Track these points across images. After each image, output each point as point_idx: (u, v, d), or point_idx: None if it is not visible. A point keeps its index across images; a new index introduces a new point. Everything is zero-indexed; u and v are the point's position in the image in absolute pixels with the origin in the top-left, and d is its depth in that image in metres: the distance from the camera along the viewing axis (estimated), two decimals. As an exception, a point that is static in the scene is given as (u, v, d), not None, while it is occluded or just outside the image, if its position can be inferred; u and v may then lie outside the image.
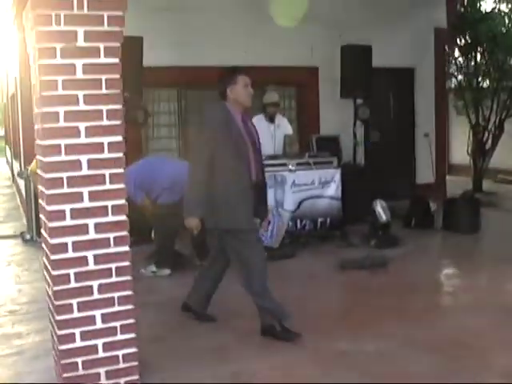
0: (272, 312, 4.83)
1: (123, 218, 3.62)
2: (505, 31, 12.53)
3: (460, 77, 13.47)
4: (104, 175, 3.54)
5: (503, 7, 12.87)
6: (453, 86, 13.86)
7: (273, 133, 8.14)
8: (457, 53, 13.30)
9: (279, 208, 7.69)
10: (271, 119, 8.18)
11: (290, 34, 9.63)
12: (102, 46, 3.49)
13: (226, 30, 9.50)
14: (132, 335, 3.71)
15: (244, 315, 5.22)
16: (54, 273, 3.51)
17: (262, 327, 4.88)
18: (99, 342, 3.62)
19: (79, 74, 3.45)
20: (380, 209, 7.92)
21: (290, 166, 7.87)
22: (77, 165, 3.48)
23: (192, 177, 4.76)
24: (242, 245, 4.72)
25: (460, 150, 14.37)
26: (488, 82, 13.28)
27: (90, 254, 3.55)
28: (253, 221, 4.84)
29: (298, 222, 7.95)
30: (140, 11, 7.46)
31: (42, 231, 3.76)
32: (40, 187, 3.73)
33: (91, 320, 3.59)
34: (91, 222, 3.54)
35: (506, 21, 12.71)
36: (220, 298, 5.34)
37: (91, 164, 3.51)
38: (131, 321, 3.70)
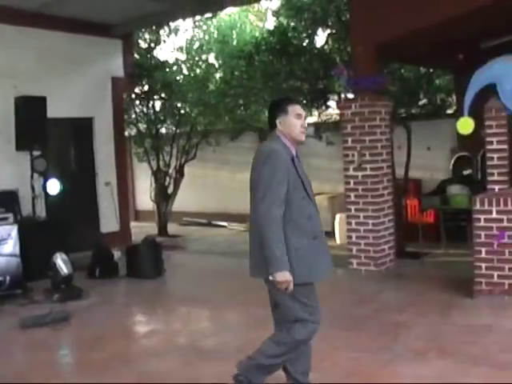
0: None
1: None
2: (180, 79, 13.20)
3: (140, 124, 13.83)
4: None
5: (180, 56, 13.56)
6: (133, 133, 14.18)
7: None
8: (138, 101, 13.68)
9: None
10: None
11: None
12: None
13: None
14: None
15: None
16: None
17: None
18: None
19: None
20: (61, 262, 7.79)
21: None
22: None
23: (271, 222, 3.98)
24: None
25: (145, 196, 14.72)
26: (166, 128, 13.89)
27: None
28: None
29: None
30: None
31: None
32: None
33: None
34: None
35: (184, 69, 13.42)
36: None
37: None
38: None
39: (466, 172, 10.63)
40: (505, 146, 7.21)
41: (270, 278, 3.99)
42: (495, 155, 7.23)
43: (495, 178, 7.23)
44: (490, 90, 7.14)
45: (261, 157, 4.13)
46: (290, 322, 4.21)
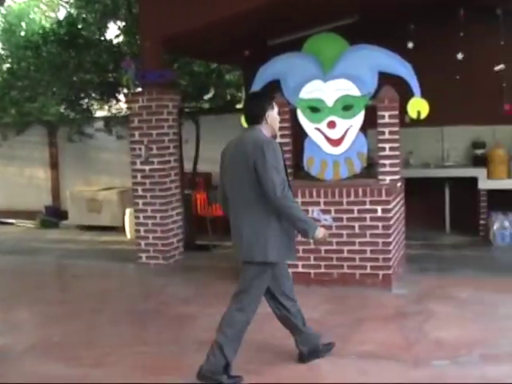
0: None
1: None
2: None
3: None
4: None
5: None
6: None
7: None
8: None
9: None
10: None
11: None
12: None
13: None
14: None
15: None
16: None
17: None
18: None
19: None
20: None
21: None
22: None
23: (290, 202, 4.37)
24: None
25: None
26: None
27: None
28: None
29: None
30: None
31: None
32: None
33: None
34: None
35: None
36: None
37: None
38: None
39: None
40: (288, 140, 7.53)
41: (311, 240, 4.58)
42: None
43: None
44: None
45: (259, 145, 4.36)
46: (246, 300, 4.63)
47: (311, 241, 4.68)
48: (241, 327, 4.65)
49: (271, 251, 4.47)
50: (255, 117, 4.57)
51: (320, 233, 4.46)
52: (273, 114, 4.60)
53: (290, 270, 6.99)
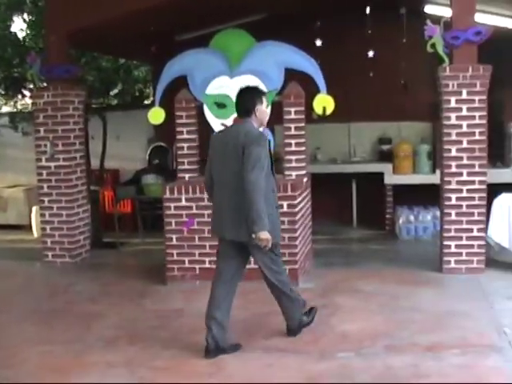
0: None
1: None
2: None
3: None
4: None
5: None
6: None
7: None
8: None
9: None
10: None
11: None
12: None
13: None
14: None
15: None
16: None
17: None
18: None
19: None
20: None
21: None
22: None
23: (259, 190, 4.67)
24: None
25: None
26: None
27: None
28: None
29: None
30: None
31: None
32: None
33: None
34: None
35: None
36: None
37: None
38: None
39: (155, 161, 10.86)
40: (194, 136, 7.49)
41: (253, 235, 4.69)
42: (185, 145, 7.47)
43: (185, 166, 7.49)
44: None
45: (251, 136, 4.81)
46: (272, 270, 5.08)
47: (253, 236, 4.73)
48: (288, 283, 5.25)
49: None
50: (246, 110, 4.99)
51: (265, 235, 4.70)
52: (261, 108, 5.00)
53: (197, 266, 7.12)
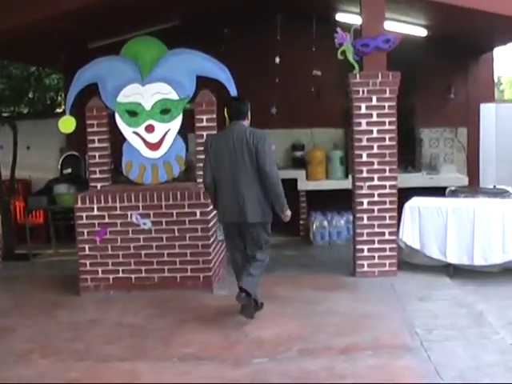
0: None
1: None
2: None
3: None
4: None
5: None
6: None
7: None
8: None
9: None
10: None
11: None
12: None
13: None
14: None
15: None
16: None
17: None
18: None
19: None
20: None
21: None
22: None
23: (279, 179, 5.73)
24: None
25: None
26: None
27: None
28: None
29: None
30: None
31: None
32: None
33: None
34: None
35: None
36: None
37: None
38: None
39: (67, 171, 10.64)
40: (106, 145, 7.41)
41: (283, 215, 5.85)
42: (97, 153, 7.38)
43: (97, 175, 7.40)
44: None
45: (258, 135, 5.74)
46: (265, 246, 6.03)
47: (282, 216, 5.82)
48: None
49: (268, 215, 5.89)
50: (243, 114, 5.89)
51: (289, 212, 5.86)
52: (249, 114, 5.95)
53: (110, 276, 7.03)
